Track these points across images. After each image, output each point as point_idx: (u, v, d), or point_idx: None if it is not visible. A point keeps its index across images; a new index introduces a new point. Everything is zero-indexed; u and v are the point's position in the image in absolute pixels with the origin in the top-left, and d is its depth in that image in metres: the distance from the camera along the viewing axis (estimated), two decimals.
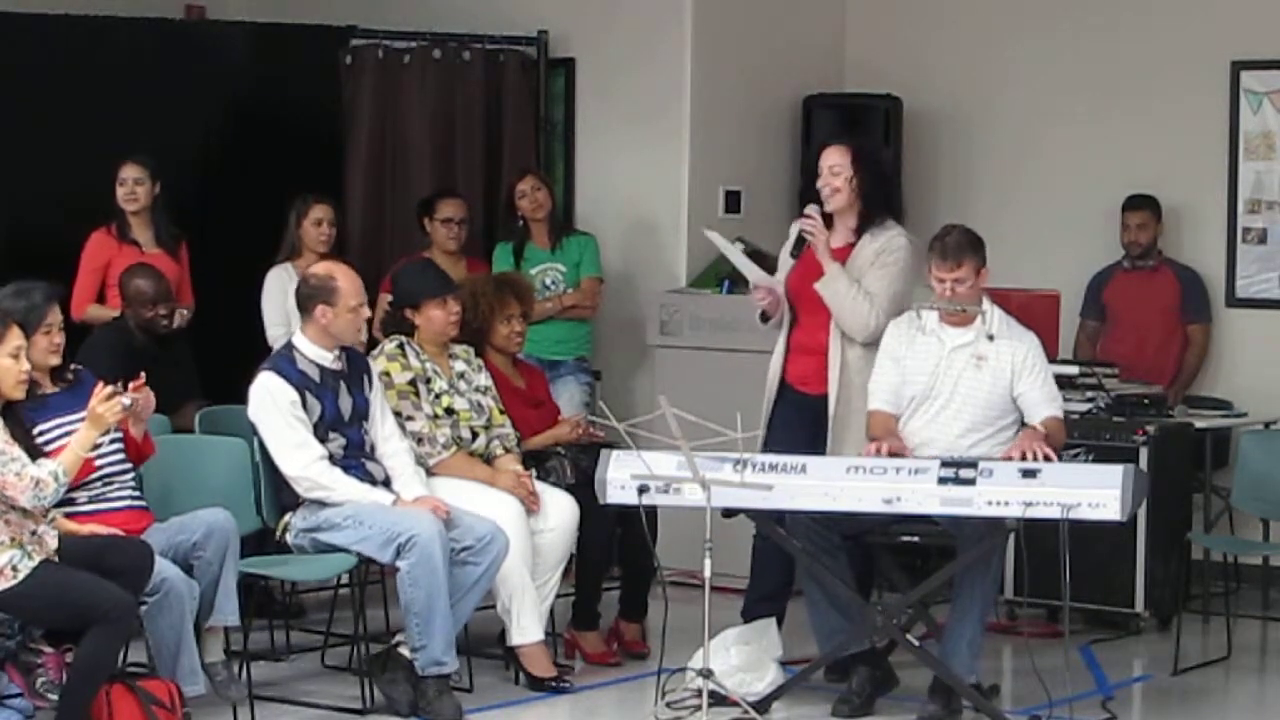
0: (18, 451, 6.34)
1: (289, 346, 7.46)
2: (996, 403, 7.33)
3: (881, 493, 6.95)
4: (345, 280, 7.41)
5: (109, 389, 6.51)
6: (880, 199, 7.72)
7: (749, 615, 7.74)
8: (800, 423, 7.63)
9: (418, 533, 7.11)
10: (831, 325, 7.68)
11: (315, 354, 7.38)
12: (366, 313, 7.48)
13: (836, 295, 7.62)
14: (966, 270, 7.29)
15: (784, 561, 7.78)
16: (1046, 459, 7.02)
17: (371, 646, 7.48)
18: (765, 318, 7.90)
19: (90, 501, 6.96)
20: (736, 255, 8.08)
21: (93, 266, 8.86)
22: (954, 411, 7.33)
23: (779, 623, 7.70)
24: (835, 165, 7.66)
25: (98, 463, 7.01)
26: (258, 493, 7.40)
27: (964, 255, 7.29)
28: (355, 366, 7.49)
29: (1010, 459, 7.04)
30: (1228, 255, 9.79)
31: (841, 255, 7.67)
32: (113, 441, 7.06)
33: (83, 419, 6.57)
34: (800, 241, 7.75)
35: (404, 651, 7.26)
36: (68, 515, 6.81)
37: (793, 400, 7.76)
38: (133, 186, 8.95)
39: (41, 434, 6.66)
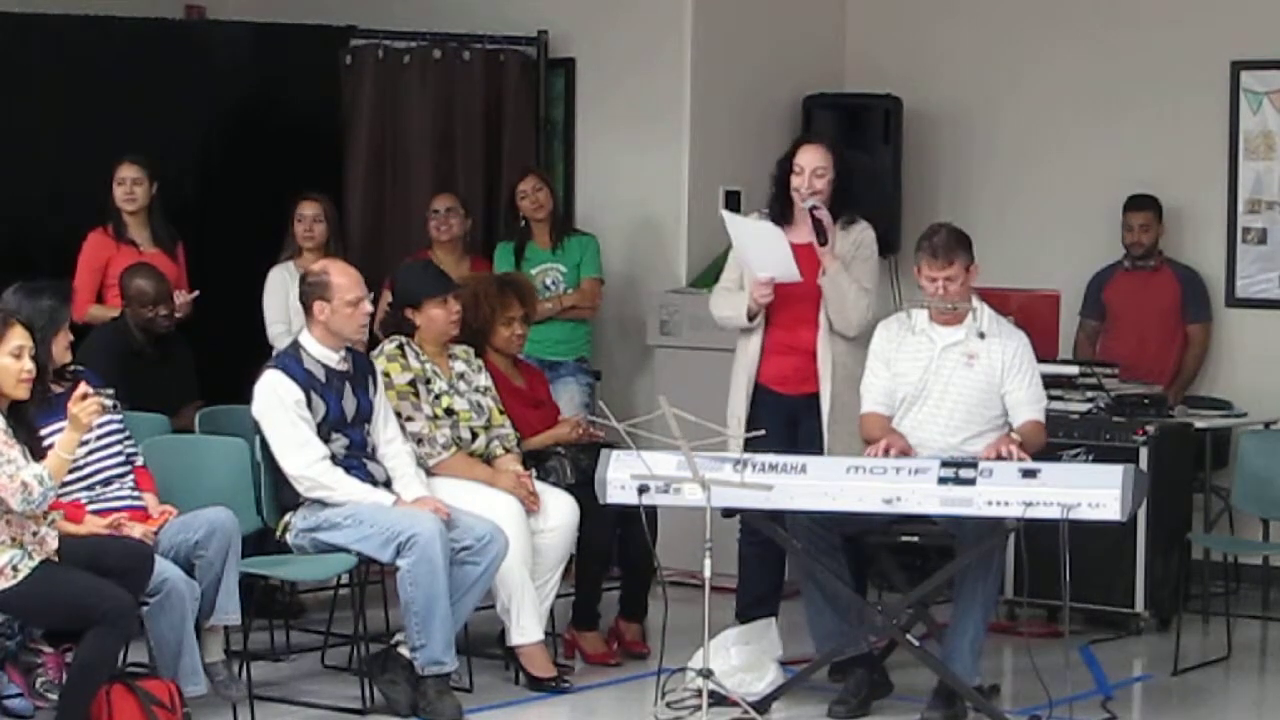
0: (15, 454, 6.33)
1: (295, 345, 7.45)
2: (989, 400, 7.33)
3: (881, 493, 6.96)
4: (340, 275, 7.42)
5: (83, 388, 6.50)
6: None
7: (744, 619, 7.73)
8: (777, 424, 7.56)
9: (418, 532, 7.12)
10: (821, 321, 7.68)
11: (321, 354, 7.38)
12: (367, 307, 7.46)
13: (839, 289, 7.64)
14: (957, 268, 7.30)
15: (773, 563, 7.81)
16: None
17: (371, 646, 7.47)
18: (751, 316, 7.79)
19: (90, 503, 6.98)
20: (752, 236, 7.76)
21: (91, 267, 8.85)
22: (947, 410, 7.34)
23: None
24: (821, 168, 7.70)
25: (96, 465, 7.03)
26: (258, 493, 7.40)
27: (955, 253, 7.30)
28: (360, 368, 7.49)
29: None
30: (1228, 255, 9.79)
31: (806, 252, 7.67)
32: (110, 444, 7.07)
33: None
34: (819, 230, 7.68)
35: (403, 651, 7.26)
36: (96, 512, 6.88)
37: (768, 402, 7.71)
38: (131, 186, 8.95)
39: (45, 436, 6.65)
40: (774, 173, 7.86)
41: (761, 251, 7.72)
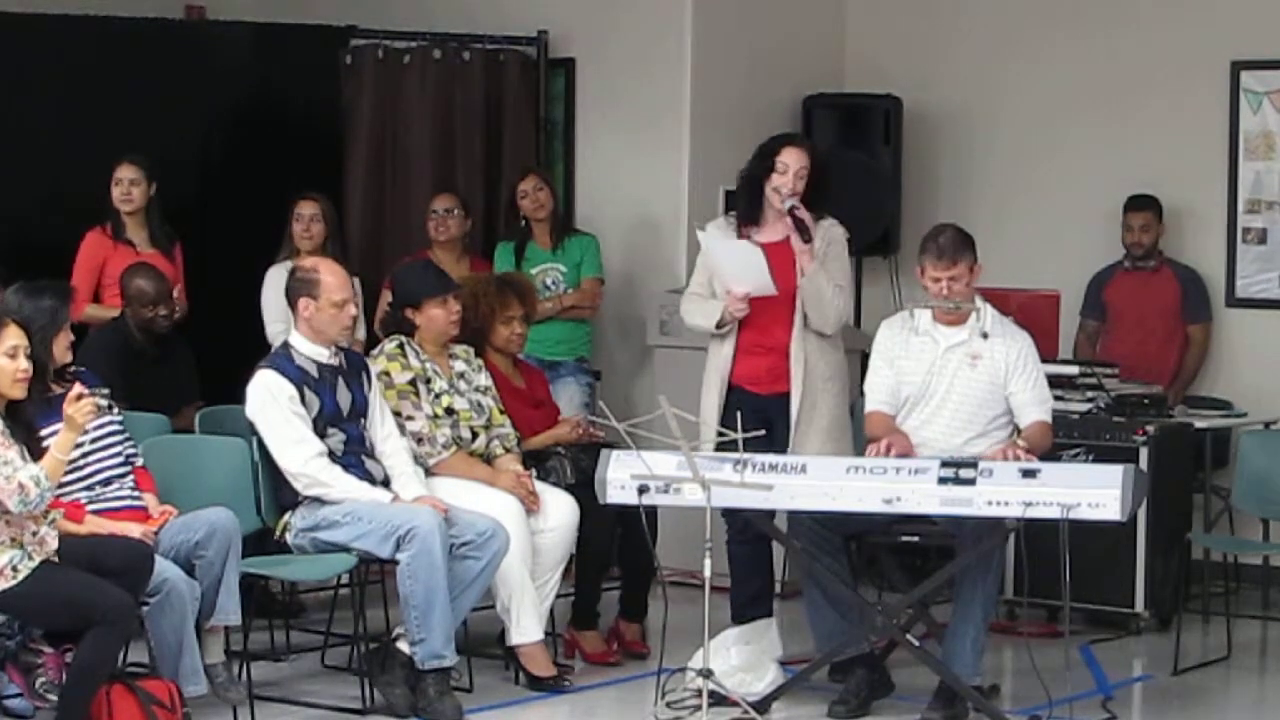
0: (12, 455, 6.32)
1: (285, 345, 7.48)
2: (992, 401, 7.33)
3: (881, 493, 6.95)
4: (330, 275, 7.43)
5: (78, 389, 6.50)
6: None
7: (740, 620, 7.72)
8: (752, 425, 7.51)
9: (416, 525, 7.12)
10: (795, 320, 7.67)
11: (311, 351, 7.39)
12: (352, 311, 7.47)
13: (818, 289, 7.63)
14: (962, 268, 7.31)
15: (763, 561, 7.80)
16: None
17: (371, 647, 7.47)
18: (720, 325, 7.75)
19: (90, 503, 6.97)
20: (729, 255, 7.77)
21: (88, 266, 8.86)
22: (950, 411, 7.34)
23: None
24: (803, 169, 7.64)
25: (96, 465, 7.02)
26: (258, 493, 7.40)
27: (959, 254, 7.30)
28: (352, 363, 7.50)
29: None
30: (1228, 255, 9.80)
31: (776, 251, 7.64)
32: (109, 444, 7.07)
33: None
34: (802, 229, 7.66)
35: (402, 646, 7.26)
36: (96, 512, 6.87)
37: (742, 401, 7.61)
38: (128, 187, 8.95)
39: (45, 436, 6.65)
40: (747, 171, 7.82)
41: (738, 267, 7.68)
